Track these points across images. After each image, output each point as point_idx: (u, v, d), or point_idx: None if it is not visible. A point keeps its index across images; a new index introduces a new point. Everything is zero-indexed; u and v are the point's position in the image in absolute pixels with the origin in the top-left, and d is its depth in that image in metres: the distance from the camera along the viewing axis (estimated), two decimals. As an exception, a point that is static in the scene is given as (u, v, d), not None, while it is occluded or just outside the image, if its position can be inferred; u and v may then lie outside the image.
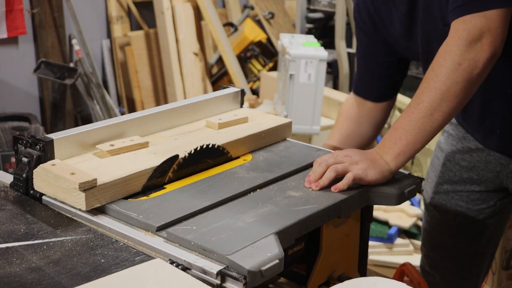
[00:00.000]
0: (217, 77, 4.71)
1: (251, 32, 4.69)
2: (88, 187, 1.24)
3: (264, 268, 1.07)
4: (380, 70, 1.77)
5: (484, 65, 1.37)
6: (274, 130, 1.63)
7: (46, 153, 1.34)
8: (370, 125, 1.82)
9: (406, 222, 2.99)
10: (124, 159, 1.39)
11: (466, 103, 1.42)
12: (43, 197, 1.33)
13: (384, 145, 1.43)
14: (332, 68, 4.61)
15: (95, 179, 1.26)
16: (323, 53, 3.08)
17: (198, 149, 1.43)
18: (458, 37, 1.37)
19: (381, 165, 1.40)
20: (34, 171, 1.33)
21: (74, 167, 1.31)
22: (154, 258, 1.12)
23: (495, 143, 1.69)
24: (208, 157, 1.46)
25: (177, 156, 1.38)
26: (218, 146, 1.47)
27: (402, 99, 3.73)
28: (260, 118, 1.68)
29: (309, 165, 1.49)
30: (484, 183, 1.78)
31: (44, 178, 1.31)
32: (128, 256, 1.13)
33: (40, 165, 1.32)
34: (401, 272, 1.79)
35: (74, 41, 4.04)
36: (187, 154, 1.41)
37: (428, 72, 1.41)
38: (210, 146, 1.46)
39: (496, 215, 1.82)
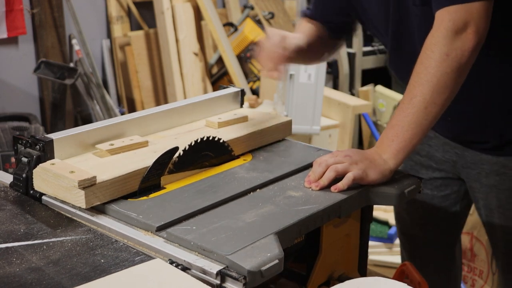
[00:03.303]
0: (217, 77, 4.71)
1: (251, 32, 4.69)
2: (88, 185, 1.25)
3: (264, 268, 1.08)
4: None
5: (471, 53, 1.39)
6: (274, 128, 1.63)
7: (46, 153, 1.34)
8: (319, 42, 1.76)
9: (406, 222, 2.99)
10: (123, 158, 1.40)
11: (456, 93, 1.43)
12: (43, 197, 1.33)
13: (382, 144, 1.43)
14: (332, 68, 4.61)
15: (95, 177, 1.26)
16: (323, 53, 3.07)
17: (198, 141, 1.43)
18: (444, 28, 1.39)
19: (381, 165, 1.40)
20: (34, 171, 1.33)
21: (73, 166, 1.31)
22: (154, 258, 1.12)
23: (446, 129, 1.71)
24: (209, 149, 1.46)
25: (176, 148, 1.38)
26: (219, 139, 1.48)
27: (397, 97, 3.73)
28: (260, 117, 1.68)
29: (309, 165, 1.49)
30: (444, 171, 1.80)
31: (44, 178, 1.31)
32: (128, 256, 1.13)
33: (40, 164, 1.32)
34: (401, 272, 1.79)
35: (74, 41, 4.04)
36: (187, 146, 1.41)
37: (417, 65, 1.42)
38: (210, 138, 1.46)
39: (462, 202, 1.84)
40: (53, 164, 1.32)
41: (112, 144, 1.43)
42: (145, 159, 1.38)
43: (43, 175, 1.32)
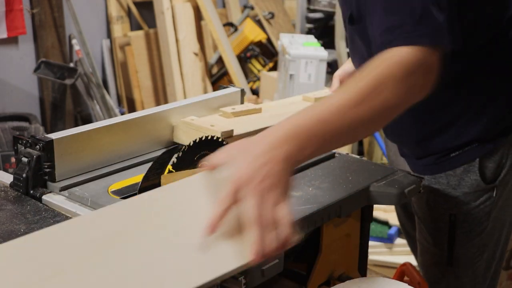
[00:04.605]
0: (217, 77, 4.71)
1: (251, 32, 4.69)
2: (227, 136, 1.45)
3: (264, 267, 1.07)
4: None
5: (425, 93, 1.19)
6: None
7: (46, 153, 1.34)
8: None
9: (406, 222, 2.99)
10: (246, 119, 1.59)
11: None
12: (43, 197, 1.33)
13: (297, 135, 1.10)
14: (332, 68, 4.60)
15: (232, 130, 1.47)
16: (323, 53, 3.09)
17: (197, 141, 1.43)
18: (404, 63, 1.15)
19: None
20: (175, 125, 1.53)
21: (211, 121, 1.53)
22: (154, 257, 1.12)
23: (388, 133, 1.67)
24: (208, 149, 1.46)
25: (176, 147, 1.38)
26: (217, 138, 1.48)
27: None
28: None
29: (309, 165, 1.49)
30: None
31: (185, 130, 1.51)
32: (128, 256, 1.12)
33: (181, 119, 1.53)
34: (401, 272, 1.79)
35: (74, 41, 4.04)
36: (186, 147, 1.41)
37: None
38: (209, 138, 1.46)
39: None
40: (192, 119, 1.53)
41: (233, 108, 1.64)
42: (264, 120, 1.59)
43: (184, 128, 1.51)
